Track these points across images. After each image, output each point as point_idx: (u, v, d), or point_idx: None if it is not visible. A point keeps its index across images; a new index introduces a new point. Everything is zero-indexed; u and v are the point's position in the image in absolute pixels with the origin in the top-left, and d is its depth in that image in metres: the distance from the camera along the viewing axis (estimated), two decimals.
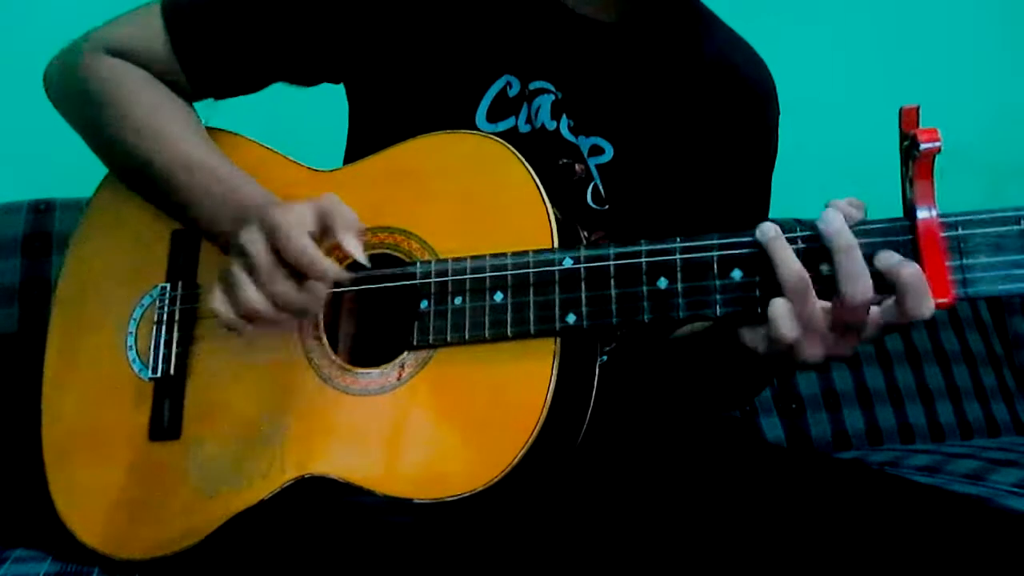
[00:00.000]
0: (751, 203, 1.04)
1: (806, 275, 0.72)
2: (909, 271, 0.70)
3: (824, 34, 1.96)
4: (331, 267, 0.79)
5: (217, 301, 0.81)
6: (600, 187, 0.97)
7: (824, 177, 1.77)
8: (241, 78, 0.99)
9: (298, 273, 0.79)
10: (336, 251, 0.82)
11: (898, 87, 1.94)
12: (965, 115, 1.91)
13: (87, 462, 0.93)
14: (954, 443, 1.68)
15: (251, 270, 0.79)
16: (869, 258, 0.71)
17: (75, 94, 0.99)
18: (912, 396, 1.71)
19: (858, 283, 0.70)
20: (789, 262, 0.72)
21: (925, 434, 1.69)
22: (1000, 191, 2.03)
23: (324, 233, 0.80)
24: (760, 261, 0.75)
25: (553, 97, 0.96)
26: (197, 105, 1.00)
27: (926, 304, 0.70)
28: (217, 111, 1.01)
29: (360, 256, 0.80)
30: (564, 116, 0.96)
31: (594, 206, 0.97)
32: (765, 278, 0.74)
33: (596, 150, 0.97)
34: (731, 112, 1.01)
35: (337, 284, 0.82)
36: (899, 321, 0.72)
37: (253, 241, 0.79)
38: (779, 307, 0.72)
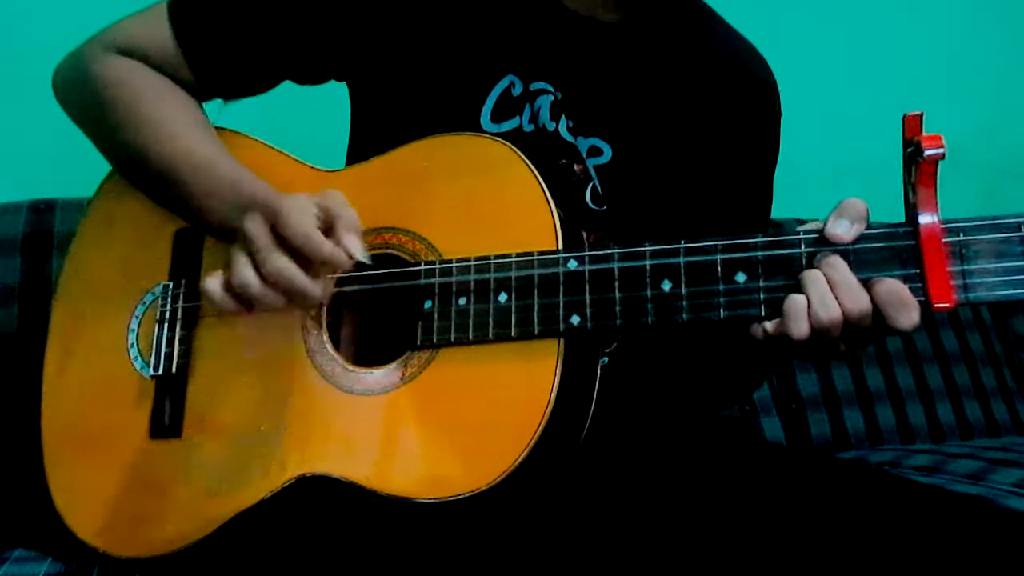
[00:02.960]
0: (754, 201, 1.04)
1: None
2: (883, 287, 0.72)
3: (824, 35, 1.96)
4: (335, 251, 0.79)
5: (209, 280, 0.81)
6: (599, 188, 0.97)
7: (825, 178, 1.78)
8: (247, 78, 0.99)
9: (299, 257, 0.79)
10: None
11: (897, 88, 1.95)
12: (964, 117, 1.92)
13: (87, 461, 0.93)
14: (954, 443, 1.68)
15: (250, 251, 0.80)
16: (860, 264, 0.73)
17: (83, 93, 0.99)
18: (912, 396, 1.71)
19: (828, 309, 0.73)
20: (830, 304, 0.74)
21: (925, 434, 1.69)
22: (998, 193, 2.03)
23: (326, 231, 0.81)
24: (763, 265, 0.75)
25: (552, 98, 0.96)
26: (204, 105, 1.00)
27: (905, 316, 0.72)
28: (222, 110, 1.01)
29: (361, 255, 0.81)
30: (563, 117, 0.96)
31: (593, 206, 0.97)
32: (768, 282, 0.75)
33: (595, 151, 0.97)
34: (736, 108, 1.01)
35: (340, 277, 0.82)
36: (886, 331, 0.74)
37: (255, 226, 0.80)
38: (796, 304, 0.74)
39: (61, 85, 1.02)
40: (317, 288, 0.81)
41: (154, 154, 0.93)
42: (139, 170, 0.96)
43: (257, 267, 0.80)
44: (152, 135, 0.93)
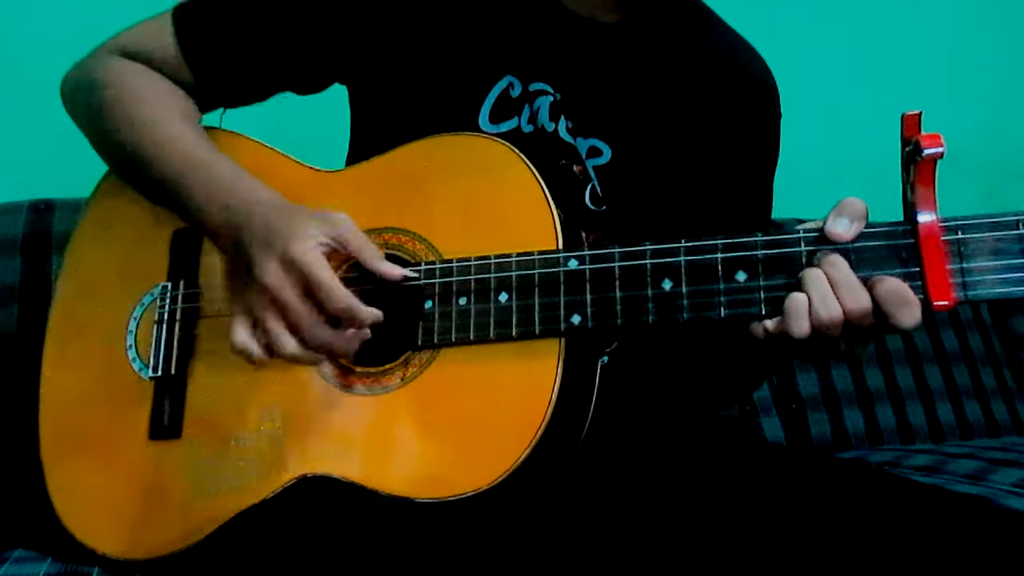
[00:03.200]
0: (754, 202, 1.04)
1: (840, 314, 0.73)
2: (884, 287, 0.72)
3: (824, 35, 1.97)
4: (376, 314, 0.80)
5: (245, 339, 0.80)
6: (598, 188, 0.97)
7: (825, 178, 1.78)
8: (249, 86, 1.00)
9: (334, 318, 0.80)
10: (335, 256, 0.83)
11: (897, 88, 1.95)
12: (964, 117, 1.92)
13: (86, 462, 0.93)
14: (954, 443, 1.68)
15: (287, 317, 0.79)
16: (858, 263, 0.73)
17: (88, 97, 0.99)
18: (912, 396, 1.71)
19: (829, 308, 0.73)
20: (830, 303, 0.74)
21: (925, 434, 1.69)
22: (997, 193, 2.03)
23: (336, 254, 0.82)
24: (763, 264, 0.75)
25: (552, 98, 0.96)
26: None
27: (907, 315, 0.72)
28: (224, 112, 1.01)
29: (408, 273, 0.82)
30: (563, 117, 0.96)
31: (592, 207, 0.97)
32: (769, 281, 0.75)
33: (594, 152, 0.97)
34: (736, 107, 1.01)
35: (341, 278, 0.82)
36: (887, 330, 0.74)
37: (282, 287, 0.79)
38: (797, 303, 0.74)
39: (69, 93, 1.02)
40: (354, 344, 0.81)
41: (152, 155, 0.93)
42: (138, 171, 0.96)
43: (296, 334, 0.80)
44: (150, 136, 0.93)
